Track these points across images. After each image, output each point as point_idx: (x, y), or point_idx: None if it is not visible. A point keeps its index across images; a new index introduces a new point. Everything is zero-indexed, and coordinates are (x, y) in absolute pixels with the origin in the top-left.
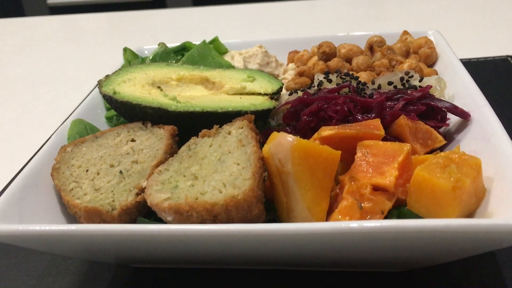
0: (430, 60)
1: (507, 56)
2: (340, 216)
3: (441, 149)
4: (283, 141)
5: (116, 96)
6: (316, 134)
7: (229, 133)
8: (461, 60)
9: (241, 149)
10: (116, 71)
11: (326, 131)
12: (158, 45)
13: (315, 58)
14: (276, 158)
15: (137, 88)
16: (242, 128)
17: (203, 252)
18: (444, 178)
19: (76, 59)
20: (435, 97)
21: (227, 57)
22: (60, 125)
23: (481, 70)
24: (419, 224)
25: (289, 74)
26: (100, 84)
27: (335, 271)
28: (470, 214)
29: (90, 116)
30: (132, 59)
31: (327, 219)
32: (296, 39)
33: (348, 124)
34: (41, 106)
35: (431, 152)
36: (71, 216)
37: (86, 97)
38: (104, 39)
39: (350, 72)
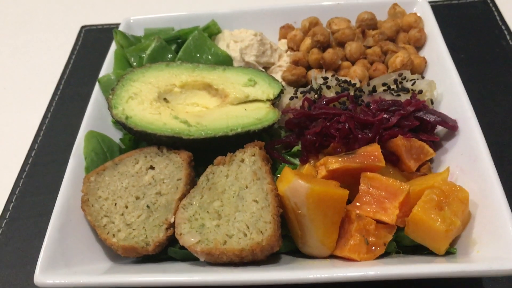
0: (419, 43)
1: None
2: (350, 253)
3: (431, 159)
4: (298, 188)
5: (129, 123)
6: (322, 160)
7: (243, 161)
8: (440, 2)
9: (257, 183)
10: (119, 81)
11: (333, 163)
12: (154, 39)
13: (308, 41)
14: (292, 201)
15: (145, 106)
16: (254, 156)
17: None
18: (439, 222)
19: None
20: (427, 108)
21: (221, 44)
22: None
23: (459, 14)
24: (417, 271)
25: (284, 61)
26: (109, 104)
27: None
28: (456, 237)
29: (97, 123)
30: (124, 43)
31: (336, 245)
32: (287, 9)
33: (352, 156)
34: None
35: (423, 164)
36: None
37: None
38: None
39: (348, 79)
